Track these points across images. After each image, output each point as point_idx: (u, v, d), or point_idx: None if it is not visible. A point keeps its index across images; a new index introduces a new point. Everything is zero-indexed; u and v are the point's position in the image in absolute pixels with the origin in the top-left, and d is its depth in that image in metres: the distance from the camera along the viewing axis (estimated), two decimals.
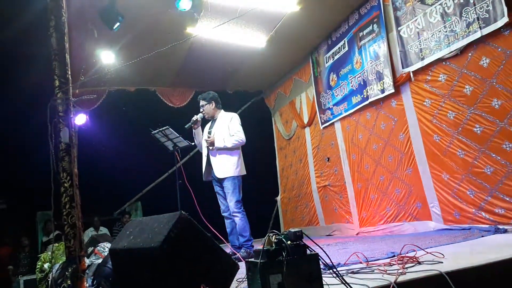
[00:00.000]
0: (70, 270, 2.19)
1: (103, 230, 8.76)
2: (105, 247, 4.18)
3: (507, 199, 3.84)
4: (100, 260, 3.59)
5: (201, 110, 4.66)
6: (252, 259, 2.05)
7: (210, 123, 4.74)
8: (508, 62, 3.82)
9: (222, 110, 4.74)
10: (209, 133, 4.62)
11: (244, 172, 4.58)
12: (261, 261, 1.92)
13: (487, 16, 3.92)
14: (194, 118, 4.57)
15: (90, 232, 8.33)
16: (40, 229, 9.14)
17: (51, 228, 8.42)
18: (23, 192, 8.16)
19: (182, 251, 2.11)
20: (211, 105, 4.64)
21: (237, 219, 4.39)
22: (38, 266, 4.21)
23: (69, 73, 2.42)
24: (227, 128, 4.52)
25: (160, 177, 9.12)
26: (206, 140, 4.52)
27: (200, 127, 4.69)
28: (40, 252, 6.84)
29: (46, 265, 4.21)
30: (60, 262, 3.24)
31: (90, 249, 4.39)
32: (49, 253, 4.44)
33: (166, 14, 5.30)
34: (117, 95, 7.53)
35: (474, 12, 4.05)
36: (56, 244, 4.23)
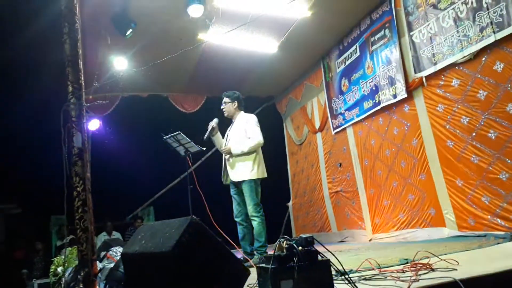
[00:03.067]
0: (82, 274, 2.21)
1: (116, 234, 8.82)
2: (117, 252, 4.21)
3: None
4: (112, 264, 3.62)
5: (222, 106, 4.59)
6: (263, 265, 2.05)
7: (230, 125, 4.66)
8: None
9: (242, 112, 4.63)
10: (227, 137, 4.55)
11: (263, 175, 4.44)
12: (272, 266, 1.91)
13: (501, 20, 3.87)
14: (210, 126, 4.50)
15: (102, 237, 8.40)
16: (54, 233, 9.25)
17: (65, 232, 8.51)
18: (38, 196, 8.28)
19: (193, 256, 2.11)
20: (233, 104, 4.56)
21: (254, 223, 4.29)
22: (51, 270, 4.25)
23: (82, 79, 2.46)
24: (243, 131, 4.44)
25: (172, 182, 9.17)
26: (223, 151, 4.47)
27: (218, 132, 4.61)
28: (54, 256, 6.91)
29: (59, 269, 4.25)
30: (72, 266, 3.28)
31: (102, 253, 4.43)
32: (63, 257, 4.48)
33: (178, 21, 5.36)
34: (130, 101, 7.62)
35: (488, 16, 4.01)
36: (70, 248, 4.26)
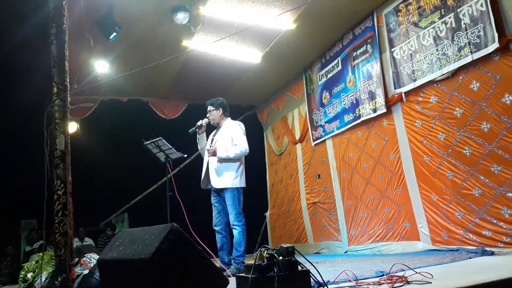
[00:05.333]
0: (59, 279, 2.15)
1: (88, 241, 8.60)
2: (91, 258, 4.11)
3: (494, 221, 3.88)
4: (86, 271, 3.53)
5: (207, 115, 4.55)
6: (243, 274, 2.04)
7: (215, 130, 4.64)
8: (498, 87, 3.91)
9: (229, 118, 4.62)
10: (212, 140, 4.52)
11: (244, 185, 4.41)
12: (252, 276, 1.91)
13: (478, 41, 4.02)
14: (199, 123, 4.47)
15: (75, 243, 8.16)
16: (24, 238, 8.95)
17: (35, 237, 8.25)
18: (7, 200, 8.00)
19: (172, 263, 2.09)
20: (218, 111, 4.53)
21: (235, 232, 4.24)
22: (21, 276, 4.11)
23: (68, 80, 2.42)
24: (230, 137, 4.41)
25: (149, 189, 9.04)
26: (208, 150, 4.40)
27: (204, 133, 4.58)
28: (22, 262, 6.69)
29: (29, 275, 4.12)
30: (45, 272, 3.18)
31: (75, 260, 4.32)
32: (33, 262, 4.35)
33: (163, 27, 5.34)
34: (109, 105, 7.52)
35: (466, 37, 4.16)
36: (40, 254, 4.14)
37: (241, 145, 4.35)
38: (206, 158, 4.50)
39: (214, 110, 4.54)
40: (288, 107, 7.99)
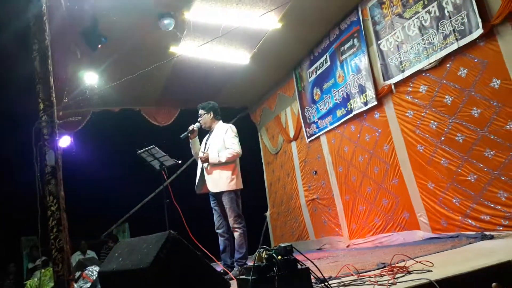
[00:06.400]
0: None
1: (91, 253, 8.57)
2: (93, 271, 4.12)
3: (492, 205, 3.91)
4: (88, 285, 3.53)
5: (199, 119, 4.54)
6: (243, 276, 2.04)
7: (207, 134, 4.62)
8: (485, 72, 3.94)
9: (220, 121, 4.59)
10: (205, 145, 4.51)
11: (241, 186, 4.40)
12: (252, 277, 1.92)
13: (463, 28, 4.04)
14: (191, 127, 4.45)
15: (77, 256, 8.14)
16: (25, 255, 8.91)
17: (37, 254, 8.21)
18: (6, 217, 7.96)
19: (171, 271, 2.09)
20: (209, 115, 4.51)
21: (236, 234, 4.23)
22: None
23: (54, 95, 2.41)
24: (222, 141, 4.39)
25: (147, 197, 9.03)
26: (200, 157, 4.39)
27: (197, 137, 4.56)
28: (26, 279, 6.66)
29: None
30: None
31: (77, 274, 4.31)
32: (35, 279, 4.34)
33: (149, 34, 5.35)
34: (101, 116, 7.51)
35: (450, 24, 4.18)
36: (43, 270, 4.13)
37: (233, 148, 4.33)
38: (200, 162, 4.50)
39: (205, 114, 4.53)
40: (280, 106, 8.01)
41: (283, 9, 5.30)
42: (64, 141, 6.89)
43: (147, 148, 4.78)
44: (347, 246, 6.05)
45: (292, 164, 7.74)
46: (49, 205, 2.23)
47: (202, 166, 4.45)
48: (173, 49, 5.80)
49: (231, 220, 4.26)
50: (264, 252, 2.05)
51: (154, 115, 7.90)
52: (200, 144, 4.60)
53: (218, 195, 4.37)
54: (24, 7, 2.37)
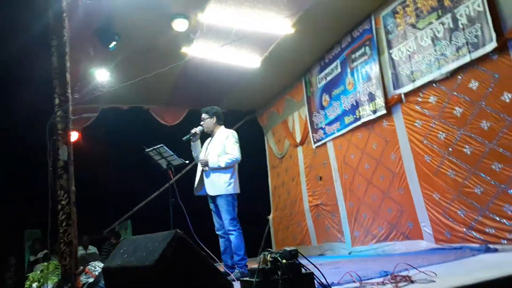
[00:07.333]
0: None
1: (92, 249, 8.61)
2: (96, 266, 4.13)
3: (497, 218, 3.89)
4: (91, 280, 3.55)
5: (201, 123, 4.61)
6: (247, 278, 2.06)
7: (209, 138, 4.70)
8: (496, 85, 3.93)
9: (223, 127, 4.67)
10: (206, 149, 4.59)
11: (238, 191, 4.49)
12: (256, 280, 1.93)
13: (476, 41, 4.04)
14: (193, 130, 4.51)
15: (79, 251, 8.17)
16: (28, 248, 8.96)
17: (38, 247, 8.26)
18: (11, 210, 8.02)
19: (176, 270, 2.10)
20: (212, 119, 4.59)
21: (232, 237, 4.31)
22: (26, 286, 4.13)
23: (69, 91, 2.45)
24: (223, 146, 4.47)
25: (151, 195, 9.05)
26: (200, 162, 4.50)
27: (199, 140, 4.63)
28: (27, 272, 6.70)
29: (34, 285, 4.14)
30: (51, 281, 3.20)
31: (80, 268, 4.33)
32: (38, 272, 4.37)
33: (162, 34, 5.37)
34: (110, 113, 7.54)
35: (463, 36, 4.18)
36: (45, 263, 4.17)
37: (232, 154, 4.42)
38: (200, 166, 4.59)
39: (208, 118, 4.61)
40: (288, 110, 8.01)
41: (297, 15, 5.32)
42: (72, 136, 6.95)
43: (155, 147, 4.80)
44: (349, 253, 6.03)
45: (297, 169, 7.74)
46: (59, 199, 2.26)
47: (202, 169, 4.54)
48: (185, 49, 5.84)
49: (226, 223, 4.35)
50: (269, 255, 2.06)
51: (162, 115, 7.93)
52: (202, 148, 4.66)
53: (214, 198, 4.45)
54: (47, 5, 2.41)
